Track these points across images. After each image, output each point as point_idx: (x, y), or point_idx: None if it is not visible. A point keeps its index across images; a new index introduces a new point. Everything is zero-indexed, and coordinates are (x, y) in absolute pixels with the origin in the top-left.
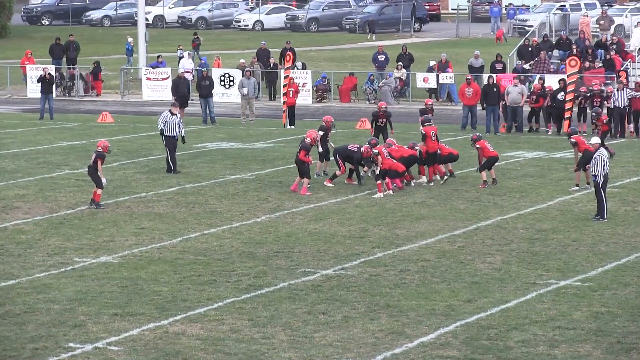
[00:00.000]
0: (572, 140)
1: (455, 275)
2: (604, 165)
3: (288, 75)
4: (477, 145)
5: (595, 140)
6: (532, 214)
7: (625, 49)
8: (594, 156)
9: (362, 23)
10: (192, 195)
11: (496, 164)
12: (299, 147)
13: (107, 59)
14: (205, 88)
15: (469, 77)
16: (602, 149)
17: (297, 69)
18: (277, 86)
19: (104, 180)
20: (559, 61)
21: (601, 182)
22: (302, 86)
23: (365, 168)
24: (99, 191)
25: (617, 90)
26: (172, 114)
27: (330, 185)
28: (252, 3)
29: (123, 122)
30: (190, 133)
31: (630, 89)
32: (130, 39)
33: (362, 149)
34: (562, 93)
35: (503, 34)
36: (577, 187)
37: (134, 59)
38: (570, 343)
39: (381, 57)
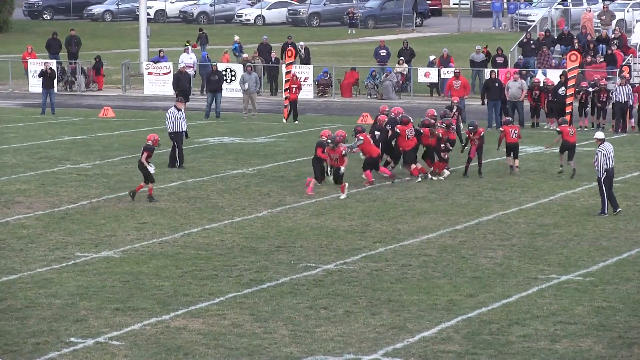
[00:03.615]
0: (557, 129)
1: (457, 270)
2: (605, 160)
3: (290, 71)
4: (501, 129)
5: (600, 135)
6: (533, 209)
7: (628, 44)
8: (595, 151)
9: (364, 18)
10: (194, 190)
11: (498, 159)
12: (316, 145)
13: (108, 54)
14: (214, 83)
15: (457, 71)
16: (606, 144)
17: (300, 51)
18: (278, 81)
19: (151, 169)
20: (561, 56)
21: (603, 177)
22: (304, 81)
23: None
24: (151, 185)
25: (620, 85)
26: (178, 109)
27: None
28: None
29: (125, 116)
30: (192, 128)
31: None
32: (237, 38)
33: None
34: (563, 88)
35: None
36: (562, 168)
37: (134, 54)
38: (571, 338)
39: (383, 52)
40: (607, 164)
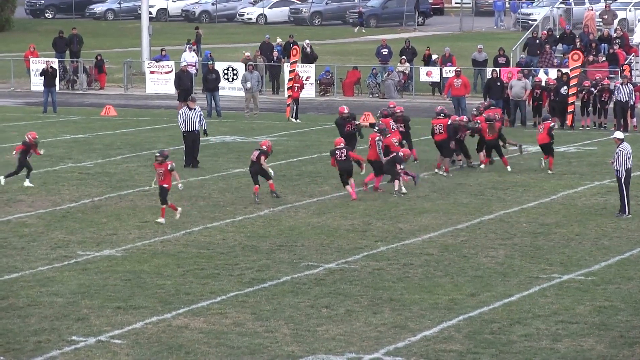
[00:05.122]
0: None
1: (458, 269)
2: (626, 159)
3: (294, 70)
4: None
5: (619, 134)
6: (535, 208)
7: (630, 44)
8: (615, 151)
9: (366, 17)
10: (196, 188)
11: (497, 158)
12: (393, 160)
13: (110, 53)
14: (211, 82)
15: (458, 70)
16: (625, 144)
17: (306, 49)
18: (280, 80)
19: (271, 172)
20: (563, 55)
21: (623, 177)
22: (306, 80)
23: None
24: (271, 181)
25: (621, 84)
26: (190, 108)
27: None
28: None
29: (126, 115)
30: None
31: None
32: (279, 40)
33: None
34: (565, 87)
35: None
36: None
37: (136, 52)
38: (573, 337)
39: (385, 51)
40: (627, 164)
